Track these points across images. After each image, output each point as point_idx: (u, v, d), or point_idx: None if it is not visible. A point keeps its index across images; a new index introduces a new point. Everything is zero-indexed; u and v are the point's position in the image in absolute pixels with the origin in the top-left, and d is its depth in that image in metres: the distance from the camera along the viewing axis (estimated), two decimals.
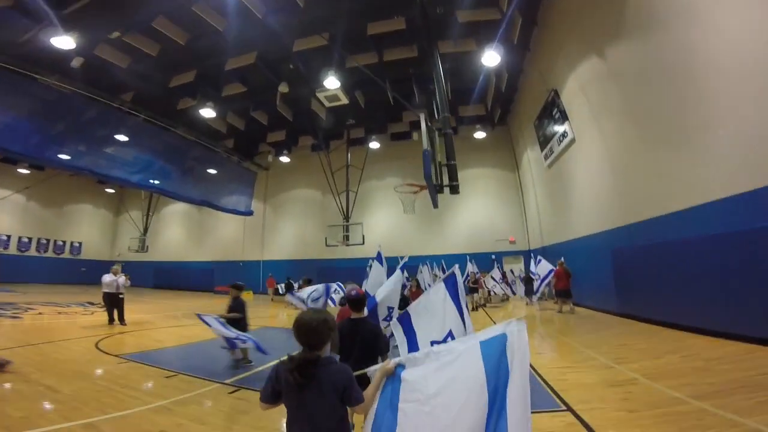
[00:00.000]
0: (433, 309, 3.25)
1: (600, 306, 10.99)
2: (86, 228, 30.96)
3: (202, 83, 16.00)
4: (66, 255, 29.43)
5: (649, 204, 8.60)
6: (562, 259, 12.10)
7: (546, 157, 14.64)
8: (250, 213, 21.79)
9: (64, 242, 29.48)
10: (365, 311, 3.29)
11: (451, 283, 3.25)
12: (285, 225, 24.38)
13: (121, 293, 9.88)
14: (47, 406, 3.96)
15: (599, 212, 11.02)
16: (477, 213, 20.14)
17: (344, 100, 16.55)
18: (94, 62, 14.20)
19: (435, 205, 6.56)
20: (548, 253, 15.07)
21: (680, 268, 7.39)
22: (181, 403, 4.13)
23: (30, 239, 27.43)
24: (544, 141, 14.70)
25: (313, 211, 23.35)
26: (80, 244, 30.39)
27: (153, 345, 7.56)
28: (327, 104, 17.19)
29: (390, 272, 5.21)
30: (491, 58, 13.16)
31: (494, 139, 20.19)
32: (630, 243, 9.34)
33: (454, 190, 6.00)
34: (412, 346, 3.12)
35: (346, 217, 19.66)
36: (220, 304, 17.99)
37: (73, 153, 14.60)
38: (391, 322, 3.79)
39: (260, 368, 5.63)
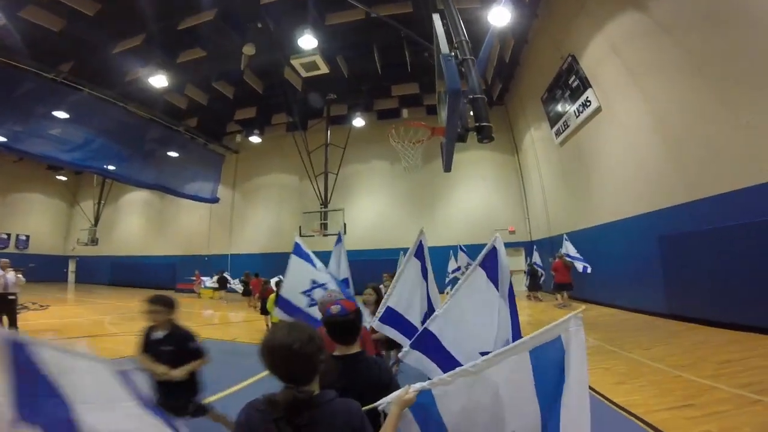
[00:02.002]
0: (476, 311, 2.30)
1: (638, 306, 9.15)
2: (35, 219, 27.72)
3: (153, 48, 13.31)
4: (11, 249, 26.15)
5: (719, 176, 6.77)
6: (561, 251, 11.26)
7: (558, 134, 12.73)
8: (215, 200, 19.26)
9: (9, 235, 26.34)
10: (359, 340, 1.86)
11: (491, 265, 2.34)
12: (256, 214, 21.80)
13: (12, 294, 7.67)
14: None
15: (639, 191, 9.13)
16: (473, 200, 18.13)
17: (324, 69, 14.23)
18: (21, 26, 11.72)
19: (448, 164, 4.36)
20: (556, 244, 13.20)
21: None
22: None
23: None
24: (556, 116, 12.82)
25: (288, 198, 20.88)
26: (28, 237, 27.17)
27: None
28: (304, 74, 14.85)
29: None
30: (500, 16, 11.13)
31: (491, 120, 18.11)
32: (688, 227, 7.47)
33: (485, 134, 3.86)
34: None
35: (324, 203, 17.26)
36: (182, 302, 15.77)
37: (10, 134, 12.62)
38: (401, 353, 2.51)
39: None
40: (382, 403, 1.50)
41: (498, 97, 17.88)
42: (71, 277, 28.73)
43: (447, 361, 2.25)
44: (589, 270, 10.56)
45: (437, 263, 8.23)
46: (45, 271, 26.59)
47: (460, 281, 2.46)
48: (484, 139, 3.88)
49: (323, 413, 1.19)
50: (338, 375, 1.65)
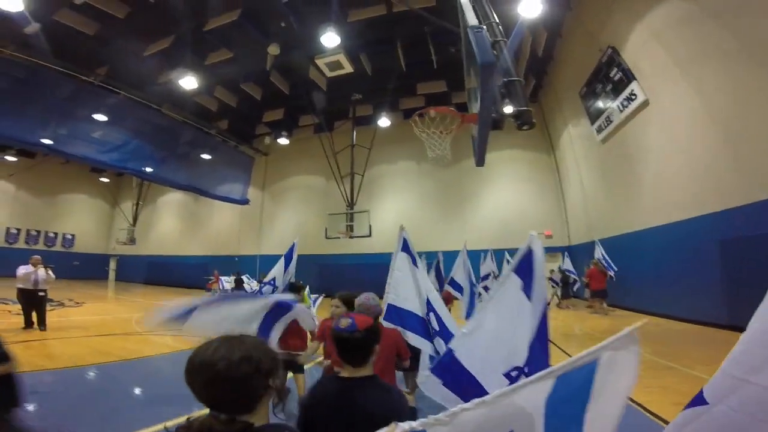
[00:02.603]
0: (505, 328, 1.86)
1: (691, 315, 8.26)
2: (80, 219, 29.20)
3: (181, 50, 13.55)
4: (58, 248, 27.72)
5: None
6: (595, 258, 11.03)
7: (600, 130, 11.84)
8: (245, 201, 19.49)
9: (56, 234, 27.79)
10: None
11: (526, 272, 1.80)
12: (285, 215, 21.93)
13: (42, 290, 7.75)
14: None
15: (694, 190, 8.25)
16: (505, 201, 17.31)
17: (348, 68, 14.06)
18: (58, 31, 12.27)
19: (481, 157, 3.86)
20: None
21: None
22: None
23: (18, 230, 25.75)
24: (596, 112, 11.97)
25: (315, 200, 20.88)
26: (73, 236, 28.65)
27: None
28: (328, 73, 14.74)
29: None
30: (530, 7, 10.54)
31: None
32: (752, 230, 6.63)
33: (525, 119, 3.37)
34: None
35: (351, 204, 17.00)
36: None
37: (55, 136, 13.33)
38: (419, 378, 2.19)
39: None
40: None
41: (531, 94, 17.06)
42: (111, 275, 30.08)
43: (469, 388, 1.85)
44: (613, 278, 10.58)
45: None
46: (88, 269, 28.02)
47: (491, 291, 2.05)
48: (524, 125, 3.38)
49: None
50: (335, 400, 1.49)
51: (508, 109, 3.76)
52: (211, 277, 19.10)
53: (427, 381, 2.00)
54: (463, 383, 1.92)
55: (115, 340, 7.55)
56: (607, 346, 1.04)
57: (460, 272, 6.67)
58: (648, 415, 3.50)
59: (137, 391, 4.72)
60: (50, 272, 7.95)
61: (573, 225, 15.71)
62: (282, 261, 4.66)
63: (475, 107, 3.82)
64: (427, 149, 4.47)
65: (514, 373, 1.81)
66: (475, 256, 13.06)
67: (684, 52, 8.06)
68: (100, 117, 14.21)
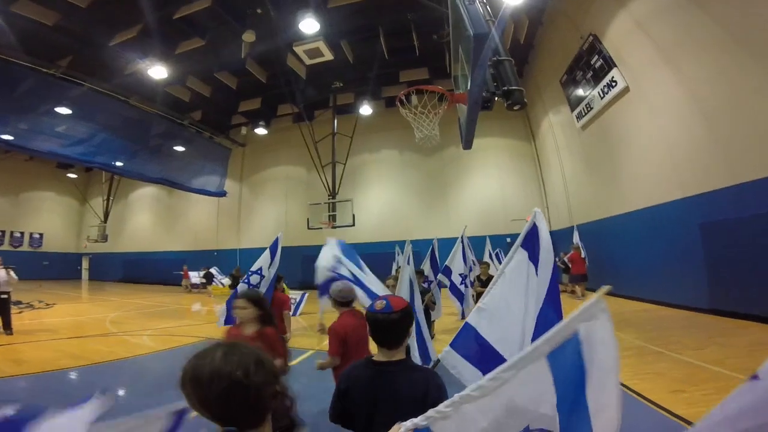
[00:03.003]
0: (519, 300, 1.96)
1: (675, 300, 8.44)
2: (48, 217, 27.92)
3: (150, 39, 12.79)
4: (25, 248, 26.49)
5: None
6: (575, 242, 11.38)
7: (580, 117, 11.94)
8: (222, 194, 18.88)
9: (23, 233, 26.52)
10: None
11: (532, 245, 1.97)
12: (264, 207, 21.42)
13: (4, 292, 7.32)
14: None
15: (674, 174, 8.37)
16: (487, 189, 17.42)
17: (328, 56, 13.66)
18: (15, 22, 11.52)
19: (468, 139, 3.75)
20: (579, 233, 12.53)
21: None
22: None
23: None
24: (577, 99, 12.07)
25: (296, 191, 20.44)
26: (41, 235, 27.39)
27: None
28: (308, 61, 14.31)
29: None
30: None
31: (504, 106, 17.36)
32: (732, 213, 6.77)
33: (516, 98, 3.29)
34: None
35: (333, 194, 16.70)
36: (190, 300, 15.62)
37: (15, 132, 12.60)
38: (441, 354, 2.21)
39: None
40: None
41: None
42: (84, 274, 28.96)
43: (492, 362, 1.88)
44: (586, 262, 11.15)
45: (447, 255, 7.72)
46: (59, 268, 26.93)
47: (502, 266, 2.13)
48: (515, 104, 3.32)
49: None
50: (371, 387, 1.49)
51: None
52: (180, 272, 18.73)
53: (449, 356, 2.10)
54: (485, 356, 2.00)
55: (89, 342, 7.19)
56: (579, 317, 1.06)
57: (458, 260, 6.51)
58: (647, 403, 3.49)
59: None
60: (12, 273, 7.49)
61: (553, 211, 15.93)
62: (267, 252, 4.79)
63: (463, 90, 3.74)
64: (414, 130, 4.37)
65: None
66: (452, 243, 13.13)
67: (666, 40, 8.12)
68: (63, 110, 13.45)
